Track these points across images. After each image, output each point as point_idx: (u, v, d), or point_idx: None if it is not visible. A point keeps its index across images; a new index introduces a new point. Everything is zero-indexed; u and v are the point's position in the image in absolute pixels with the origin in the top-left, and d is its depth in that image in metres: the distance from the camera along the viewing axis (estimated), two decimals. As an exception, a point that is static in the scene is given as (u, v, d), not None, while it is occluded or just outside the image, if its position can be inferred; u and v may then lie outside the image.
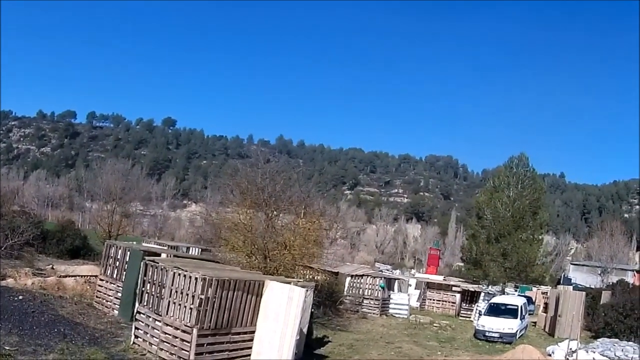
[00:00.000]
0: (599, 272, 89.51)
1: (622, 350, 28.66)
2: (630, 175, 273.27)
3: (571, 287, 63.15)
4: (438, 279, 65.38)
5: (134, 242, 42.70)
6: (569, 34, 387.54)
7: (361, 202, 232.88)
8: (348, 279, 45.62)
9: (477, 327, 37.59)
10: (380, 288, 44.11)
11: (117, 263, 26.43)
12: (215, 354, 18.55)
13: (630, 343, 31.05)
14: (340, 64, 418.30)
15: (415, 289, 54.64)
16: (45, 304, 23.18)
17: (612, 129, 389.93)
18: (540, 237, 70.74)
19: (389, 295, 45.57)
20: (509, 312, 38.15)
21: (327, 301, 36.42)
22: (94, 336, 20.08)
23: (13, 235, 36.89)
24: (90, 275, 30.87)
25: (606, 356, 27.63)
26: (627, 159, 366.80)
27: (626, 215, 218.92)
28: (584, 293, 43.63)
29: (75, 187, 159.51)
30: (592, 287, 67.20)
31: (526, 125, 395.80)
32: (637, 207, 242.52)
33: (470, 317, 48.04)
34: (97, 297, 26.67)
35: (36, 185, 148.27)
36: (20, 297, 23.17)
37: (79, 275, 31.22)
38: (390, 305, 45.15)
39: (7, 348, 16.39)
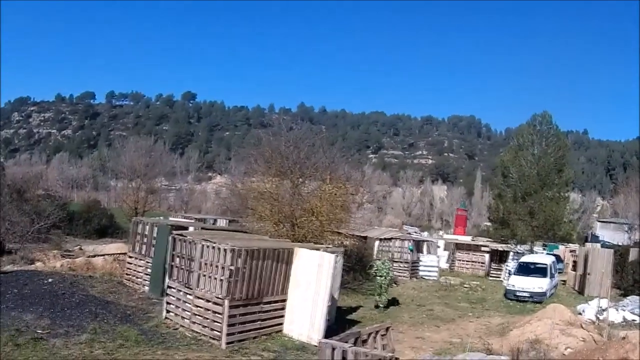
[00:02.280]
0: (626, 229, 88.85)
1: (653, 307, 28.45)
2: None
3: (599, 245, 62.65)
4: (466, 239, 65.42)
5: (161, 218, 42.91)
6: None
7: (386, 165, 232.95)
8: (377, 242, 45.56)
9: (507, 287, 37.58)
10: (409, 251, 44.02)
11: (145, 239, 26.39)
12: (247, 324, 18.48)
13: (660, 301, 30.84)
14: (357, 27, 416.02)
15: (444, 250, 54.50)
16: (75, 284, 23.18)
17: (633, 84, 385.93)
18: (566, 194, 70.51)
19: (418, 258, 45.42)
20: (538, 271, 38.01)
21: (356, 266, 36.33)
22: (125, 314, 20.06)
23: (39, 219, 37.01)
24: (119, 253, 30.86)
25: (636, 314, 27.44)
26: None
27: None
28: (612, 251, 43.28)
29: (98, 167, 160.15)
30: (620, 244, 66.71)
31: (547, 82, 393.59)
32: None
33: (499, 277, 47.93)
34: (126, 274, 26.70)
35: (59, 168, 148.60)
36: (50, 280, 23.17)
37: (107, 254, 31.22)
38: (420, 268, 44.96)
39: (39, 332, 16.39)
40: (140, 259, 26.10)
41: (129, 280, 26.20)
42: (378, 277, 29.25)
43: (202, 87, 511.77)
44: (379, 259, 41.88)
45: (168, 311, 19.90)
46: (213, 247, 18.42)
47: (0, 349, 14.49)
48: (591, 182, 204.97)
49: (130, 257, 26.99)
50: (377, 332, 13.95)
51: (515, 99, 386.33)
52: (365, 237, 45.44)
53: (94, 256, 30.68)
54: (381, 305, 29.04)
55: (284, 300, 19.77)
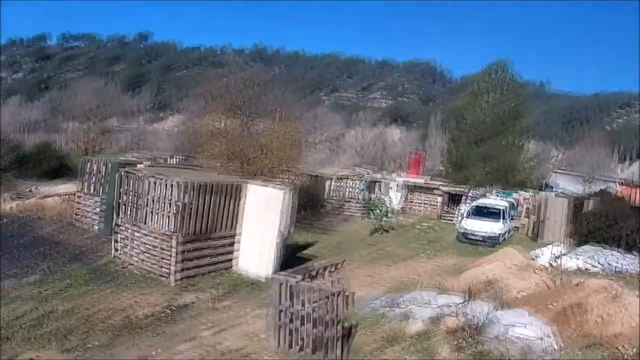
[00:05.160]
0: (582, 181, 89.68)
1: (606, 258, 28.76)
2: (612, 88, 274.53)
3: (553, 194, 63.22)
4: (420, 181, 65.58)
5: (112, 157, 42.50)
6: None
7: (340, 107, 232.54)
8: (328, 182, 45.56)
9: (460, 230, 37.63)
10: (361, 190, 44.07)
11: (94, 178, 26.15)
12: (196, 260, 18.48)
13: (614, 252, 31.22)
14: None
15: (397, 191, 54.47)
16: (25, 226, 23.11)
17: (597, 40, 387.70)
18: (521, 143, 71.06)
19: (371, 198, 45.50)
20: (492, 214, 38.09)
21: (308, 204, 36.41)
22: (74, 253, 20.07)
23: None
24: (69, 193, 30.54)
25: (590, 263, 27.73)
26: (611, 71, 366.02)
27: (607, 127, 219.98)
28: (566, 200, 43.62)
29: (50, 109, 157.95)
30: (574, 194, 67.46)
31: (508, 33, 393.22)
32: (619, 120, 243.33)
33: (453, 220, 47.87)
34: (76, 214, 26.51)
35: (12, 112, 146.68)
36: (0, 223, 22.99)
37: (57, 195, 30.90)
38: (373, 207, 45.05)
39: (-11, 275, 16.29)
40: (90, 198, 25.88)
41: (78, 220, 26.01)
42: (377, 210, 36.92)
43: (156, 27, 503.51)
44: (334, 197, 42.51)
45: (117, 249, 19.80)
46: (161, 183, 18.30)
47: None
48: (548, 133, 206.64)
49: (80, 196, 26.73)
50: (326, 267, 13.99)
51: (474, 47, 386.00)
52: (317, 177, 45.45)
53: (45, 197, 30.38)
54: (383, 230, 36.17)
55: (234, 236, 19.70)
